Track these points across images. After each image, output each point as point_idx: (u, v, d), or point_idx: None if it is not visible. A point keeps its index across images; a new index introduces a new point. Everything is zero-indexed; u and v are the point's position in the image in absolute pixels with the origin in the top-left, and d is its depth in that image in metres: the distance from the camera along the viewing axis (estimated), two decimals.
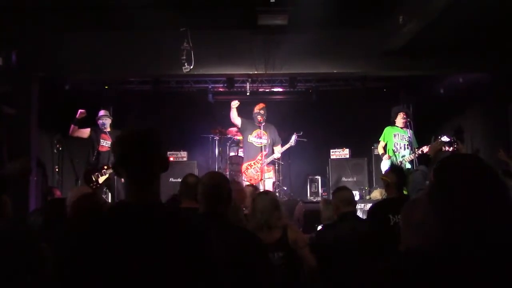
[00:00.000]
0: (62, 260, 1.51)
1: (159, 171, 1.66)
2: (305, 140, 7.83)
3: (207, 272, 1.54)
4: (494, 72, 7.14)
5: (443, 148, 5.13)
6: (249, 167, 7.59)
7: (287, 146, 7.64)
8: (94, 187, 6.65)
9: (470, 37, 6.34)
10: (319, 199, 8.36)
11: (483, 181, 1.36)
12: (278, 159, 7.88)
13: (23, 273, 2.16)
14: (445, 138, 6.48)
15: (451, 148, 5.80)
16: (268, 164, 7.70)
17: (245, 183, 7.59)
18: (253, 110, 7.71)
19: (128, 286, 1.43)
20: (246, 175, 7.58)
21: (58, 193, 5.95)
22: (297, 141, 7.62)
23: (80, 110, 7.05)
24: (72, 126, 7.08)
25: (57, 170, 8.15)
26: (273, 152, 7.72)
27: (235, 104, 7.55)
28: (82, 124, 7.16)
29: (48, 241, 2.31)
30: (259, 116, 7.54)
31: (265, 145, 7.57)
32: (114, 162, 1.66)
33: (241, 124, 7.70)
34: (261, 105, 7.69)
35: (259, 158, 7.55)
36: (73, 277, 1.45)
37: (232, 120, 7.70)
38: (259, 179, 7.49)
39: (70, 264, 1.47)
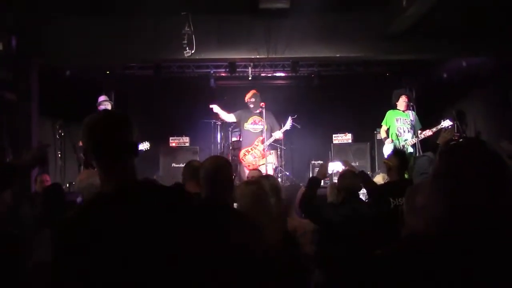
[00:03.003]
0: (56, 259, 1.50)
1: (129, 156, 1.64)
2: (298, 126, 7.79)
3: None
4: (497, 56, 7.09)
5: (454, 138, 5.13)
6: (246, 153, 7.61)
7: (283, 129, 7.63)
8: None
9: (473, 21, 6.28)
10: (322, 184, 8.36)
11: (488, 165, 1.35)
12: (280, 139, 7.87)
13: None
14: (447, 122, 6.47)
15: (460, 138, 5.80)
16: (269, 148, 7.70)
17: (245, 169, 7.62)
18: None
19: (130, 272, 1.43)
20: (244, 161, 7.60)
21: (47, 178, 5.98)
22: (292, 125, 7.59)
23: None
24: None
25: (59, 155, 8.16)
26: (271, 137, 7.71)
27: (216, 109, 7.67)
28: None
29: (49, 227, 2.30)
30: (251, 105, 7.57)
31: (261, 131, 7.56)
32: (85, 150, 1.62)
33: (236, 117, 7.73)
34: (251, 92, 7.64)
35: (255, 144, 7.55)
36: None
37: (226, 120, 7.81)
38: (258, 164, 7.50)
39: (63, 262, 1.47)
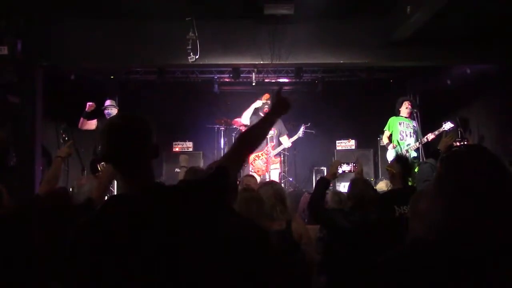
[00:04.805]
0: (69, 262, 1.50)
1: (150, 159, 1.64)
2: (313, 132, 7.82)
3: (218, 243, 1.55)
4: (501, 62, 7.07)
5: (454, 143, 5.11)
6: (256, 158, 7.62)
7: (295, 137, 7.64)
8: None
9: (478, 27, 6.27)
10: None
11: (490, 171, 1.35)
12: (289, 147, 7.88)
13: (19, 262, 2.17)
14: (448, 125, 6.49)
15: (461, 143, 5.78)
16: (275, 155, 7.71)
17: (253, 173, 7.62)
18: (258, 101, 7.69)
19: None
20: (253, 166, 7.61)
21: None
22: (305, 132, 7.62)
23: (89, 103, 7.07)
24: (82, 119, 7.13)
25: None
26: (279, 143, 7.72)
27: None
28: (90, 116, 7.20)
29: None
30: (266, 107, 7.52)
31: (271, 136, 7.57)
32: (102, 154, 1.61)
33: (250, 122, 7.72)
34: (267, 95, 7.67)
35: (266, 150, 7.57)
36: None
37: (244, 118, 7.74)
38: (266, 170, 7.51)
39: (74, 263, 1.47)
